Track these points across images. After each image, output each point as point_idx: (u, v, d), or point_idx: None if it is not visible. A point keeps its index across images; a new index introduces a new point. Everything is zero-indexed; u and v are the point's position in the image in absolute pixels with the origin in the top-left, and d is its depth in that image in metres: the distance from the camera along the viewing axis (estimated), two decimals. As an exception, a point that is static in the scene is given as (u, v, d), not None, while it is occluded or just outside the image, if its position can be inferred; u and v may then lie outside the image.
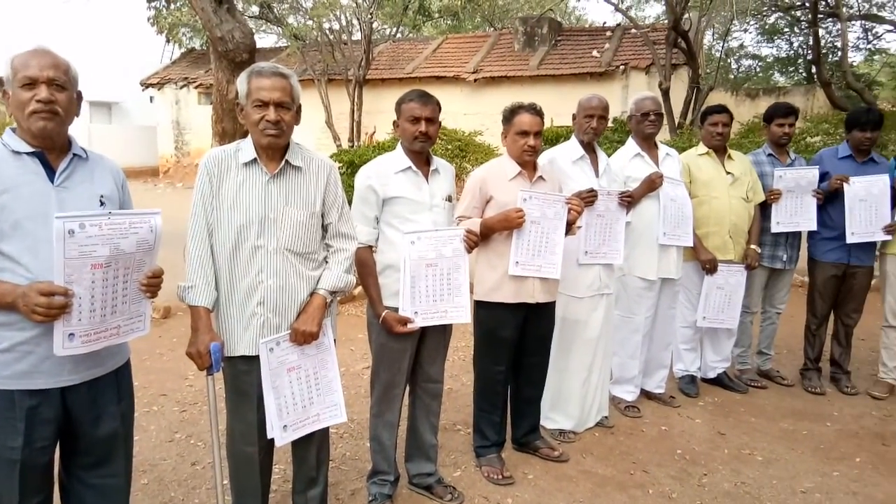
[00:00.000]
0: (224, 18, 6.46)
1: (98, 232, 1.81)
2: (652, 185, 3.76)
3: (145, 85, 20.22)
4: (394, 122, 2.89)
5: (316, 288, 2.43)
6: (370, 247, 2.82)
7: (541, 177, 3.21)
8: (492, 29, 21.09)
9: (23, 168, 1.89)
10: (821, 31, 13.47)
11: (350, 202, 2.67)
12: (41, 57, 1.90)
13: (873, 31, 16.24)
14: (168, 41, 19.82)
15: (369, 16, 16.41)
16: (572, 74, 15.15)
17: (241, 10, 8.05)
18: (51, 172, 1.93)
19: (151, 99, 20.57)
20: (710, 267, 4.09)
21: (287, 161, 2.36)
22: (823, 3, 12.33)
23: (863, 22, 15.33)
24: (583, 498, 3.07)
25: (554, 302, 3.33)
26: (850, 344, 4.52)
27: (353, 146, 13.86)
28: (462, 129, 9.42)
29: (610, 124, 4.08)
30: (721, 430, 3.80)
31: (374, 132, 15.61)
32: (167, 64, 21.13)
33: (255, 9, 17.74)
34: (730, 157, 4.24)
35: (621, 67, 14.95)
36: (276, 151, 2.35)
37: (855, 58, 17.38)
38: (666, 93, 11.54)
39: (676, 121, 11.91)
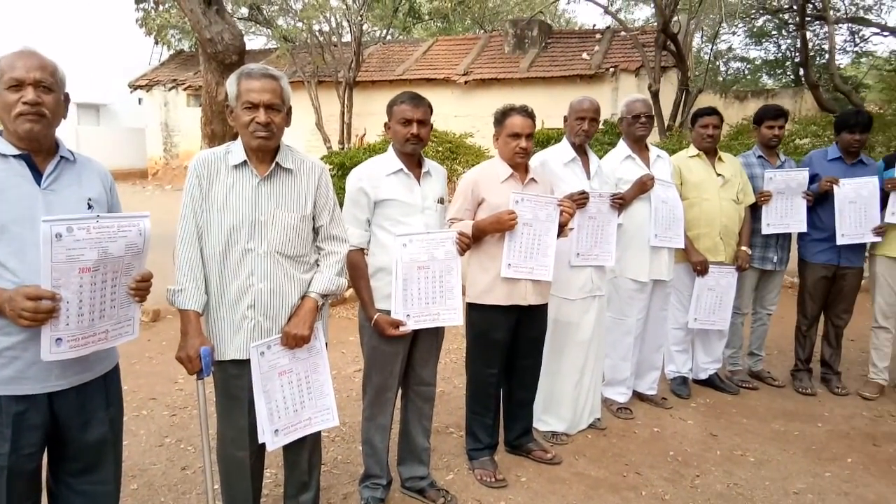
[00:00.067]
0: (213, 20, 6.42)
1: (86, 235, 1.78)
2: (643, 187, 3.77)
3: (134, 87, 20.13)
4: (385, 125, 2.88)
5: (307, 291, 2.41)
6: (362, 249, 2.80)
7: (532, 179, 3.20)
8: (482, 31, 21.16)
9: (9, 171, 1.87)
10: (808, 34, 13.57)
11: (341, 205, 2.66)
12: (28, 58, 1.88)
13: (860, 34, 16.39)
14: (157, 43, 19.73)
15: (359, 18, 16.41)
16: (562, 77, 15.21)
17: (230, 12, 8.01)
18: (38, 175, 1.90)
19: (140, 101, 20.49)
20: (701, 268, 4.11)
21: (277, 163, 2.34)
22: (811, 6, 12.43)
23: (850, 25, 15.47)
24: (576, 500, 3.06)
25: (546, 304, 3.33)
26: (840, 345, 4.54)
27: (343, 148, 13.82)
28: (453, 131, 9.44)
29: (600, 126, 4.08)
30: (713, 432, 3.81)
31: (365, 134, 15.61)
32: (156, 66, 21.04)
33: (244, 10, 17.68)
34: (720, 159, 4.26)
35: (611, 70, 15.03)
36: (266, 154, 2.33)
37: (842, 60, 17.53)
38: (655, 95, 11.60)
39: (666, 123, 11.97)
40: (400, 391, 3.01)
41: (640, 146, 3.94)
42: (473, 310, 3.20)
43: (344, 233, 2.55)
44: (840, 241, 4.20)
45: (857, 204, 4.18)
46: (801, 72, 13.82)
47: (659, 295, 4.05)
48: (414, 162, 2.85)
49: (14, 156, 1.88)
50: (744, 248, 4.25)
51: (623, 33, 15.48)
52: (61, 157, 1.97)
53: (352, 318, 6.00)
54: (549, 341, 3.51)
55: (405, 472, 3.08)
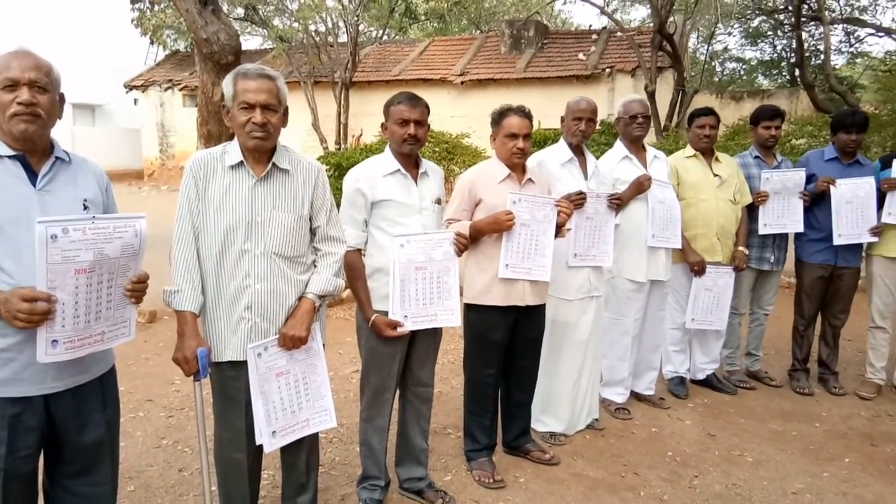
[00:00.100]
0: (209, 20, 6.40)
1: (81, 237, 1.77)
2: (640, 187, 3.76)
3: (129, 87, 20.05)
4: (382, 125, 2.87)
5: (304, 292, 2.40)
6: (359, 250, 2.79)
7: (530, 179, 3.20)
8: (478, 32, 21.14)
9: (4, 171, 1.86)
10: (804, 35, 13.62)
11: (338, 205, 2.65)
12: (23, 58, 1.87)
13: (855, 35, 16.46)
14: (152, 43, 19.65)
15: (355, 18, 16.39)
16: (559, 77, 15.20)
17: (226, 12, 7.99)
18: (33, 176, 1.89)
19: (135, 101, 20.42)
20: (698, 269, 4.11)
21: (274, 164, 2.33)
22: (806, 6, 12.47)
23: (845, 25, 15.53)
24: (574, 501, 3.05)
25: (544, 305, 3.33)
26: (837, 345, 4.55)
27: (339, 149, 13.81)
28: (449, 131, 9.42)
29: (597, 127, 4.09)
30: (711, 432, 3.81)
31: (361, 134, 15.58)
32: (151, 66, 20.99)
33: (240, 10, 17.65)
34: (717, 159, 4.26)
35: (607, 70, 15.02)
36: (262, 154, 2.32)
37: (837, 61, 17.60)
38: (651, 95, 11.61)
39: (662, 123, 11.98)
40: (398, 392, 3.00)
41: (637, 146, 3.94)
42: (471, 310, 3.19)
43: (341, 233, 2.54)
44: (837, 241, 4.21)
45: (853, 204, 4.19)
46: (797, 72, 13.86)
47: (656, 295, 4.05)
48: (411, 162, 2.84)
49: (9, 156, 1.87)
50: (741, 248, 4.26)
51: (619, 34, 15.50)
52: (56, 157, 1.96)
53: (349, 318, 5.99)
54: (547, 342, 3.51)
55: (403, 473, 3.07)
